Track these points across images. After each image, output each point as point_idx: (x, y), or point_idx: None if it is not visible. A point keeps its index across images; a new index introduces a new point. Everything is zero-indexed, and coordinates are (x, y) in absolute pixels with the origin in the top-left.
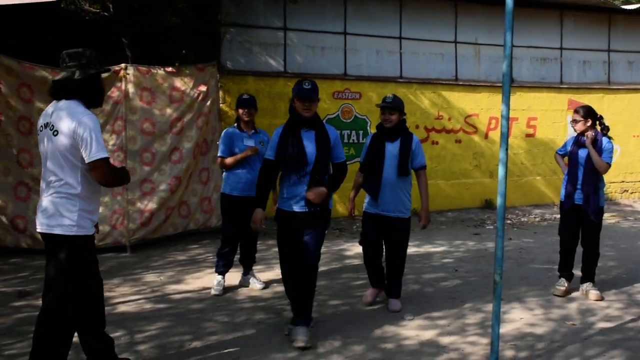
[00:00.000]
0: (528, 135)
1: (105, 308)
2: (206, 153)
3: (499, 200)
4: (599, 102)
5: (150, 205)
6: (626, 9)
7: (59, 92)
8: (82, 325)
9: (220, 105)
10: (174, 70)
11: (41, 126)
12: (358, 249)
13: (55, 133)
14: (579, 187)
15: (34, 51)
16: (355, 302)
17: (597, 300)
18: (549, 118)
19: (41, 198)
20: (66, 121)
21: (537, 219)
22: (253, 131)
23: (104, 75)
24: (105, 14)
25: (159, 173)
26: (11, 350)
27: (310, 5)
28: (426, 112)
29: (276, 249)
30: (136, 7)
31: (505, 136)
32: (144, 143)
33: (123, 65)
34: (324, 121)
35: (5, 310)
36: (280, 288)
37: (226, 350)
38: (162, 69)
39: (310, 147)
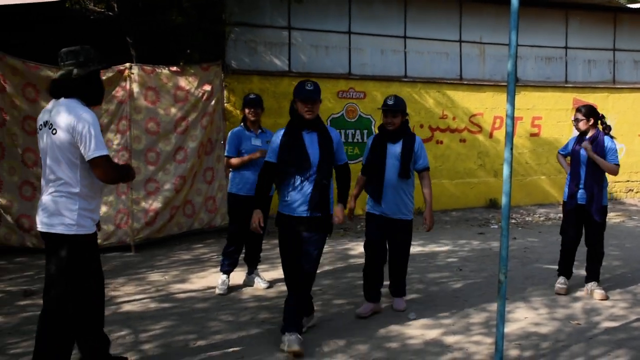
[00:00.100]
0: (533, 135)
1: (110, 307)
2: (211, 152)
3: (504, 200)
4: (604, 101)
5: (154, 204)
6: (632, 8)
7: (57, 90)
8: (82, 325)
9: (225, 104)
10: (178, 69)
11: (40, 125)
12: (362, 248)
13: (54, 131)
14: (581, 186)
15: (39, 51)
16: (360, 302)
17: (602, 299)
18: (554, 117)
19: (42, 196)
20: (65, 119)
21: (542, 219)
22: (260, 130)
23: (109, 74)
24: (110, 13)
25: (164, 172)
26: (16, 349)
27: (314, 4)
28: (431, 112)
29: None
30: (141, 6)
31: (510, 135)
32: (148, 142)
33: (128, 64)
34: (328, 120)
35: (11, 309)
36: (284, 287)
37: (230, 350)
38: (166, 68)
39: (313, 150)
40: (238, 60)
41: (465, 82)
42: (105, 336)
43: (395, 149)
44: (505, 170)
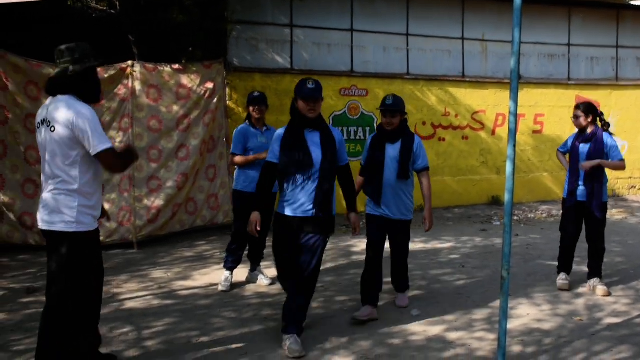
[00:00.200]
0: (535, 132)
1: (113, 304)
2: (213, 150)
3: (506, 197)
4: (606, 98)
5: (157, 202)
6: (635, 5)
7: (54, 88)
8: (81, 321)
9: (227, 102)
10: (180, 67)
11: (38, 123)
12: (364, 245)
13: (53, 129)
14: (581, 183)
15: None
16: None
17: (604, 295)
18: (556, 114)
19: (42, 194)
20: (63, 115)
21: (544, 215)
22: (265, 128)
23: (111, 72)
24: (112, 11)
25: (166, 170)
26: (19, 346)
27: (316, 2)
28: (433, 109)
29: None
30: (143, 4)
31: (513, 132)
32: (150, 140)
33: (130, 62)
34: (331, 118)
35: (14, 306)
36: None
37: (233, 346)
38: (168, 66)
39: (315, 149)
40: (240, 58)
41: (467, 80)
42: (99, 334)
43: (394, 150)
44: (508, 167)
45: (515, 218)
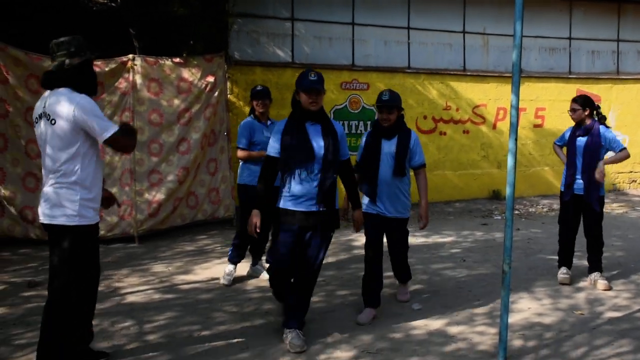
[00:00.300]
0: (536, 126)
1: (114, 298)
2: (214, 144)
3: (508, 191)
4: (607, 92)
5: (158, 196)
6: None
7: (50, 82)
8: (81, 315)
9: (228, 96)
10: (181, 61)
11: (36, 118)
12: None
13: (53, 122)
14: (578, 177)
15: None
16: None
17: (605, 290)
18: (558, 108)
19: (43, 188)
20: (63, 106)
21: (545, 210)
22: (269, 122)
23: (112, 66)
24: (113, 4)
25: (167, 164)
26: (21, 340)
27: None
28: (434, 103)
29: None
30: None
31: (514, 126)
32: (151, 134)
33: (130, 56)
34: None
35: (15, 300)
36: None
37: (235, 340)
38: (169, 59)
39: (317, 143)
40: (241, 51)
41: (468, 73)
42: (92, 330)
43: (390, 146)
44: (510, 161)
45: (516, 212)
